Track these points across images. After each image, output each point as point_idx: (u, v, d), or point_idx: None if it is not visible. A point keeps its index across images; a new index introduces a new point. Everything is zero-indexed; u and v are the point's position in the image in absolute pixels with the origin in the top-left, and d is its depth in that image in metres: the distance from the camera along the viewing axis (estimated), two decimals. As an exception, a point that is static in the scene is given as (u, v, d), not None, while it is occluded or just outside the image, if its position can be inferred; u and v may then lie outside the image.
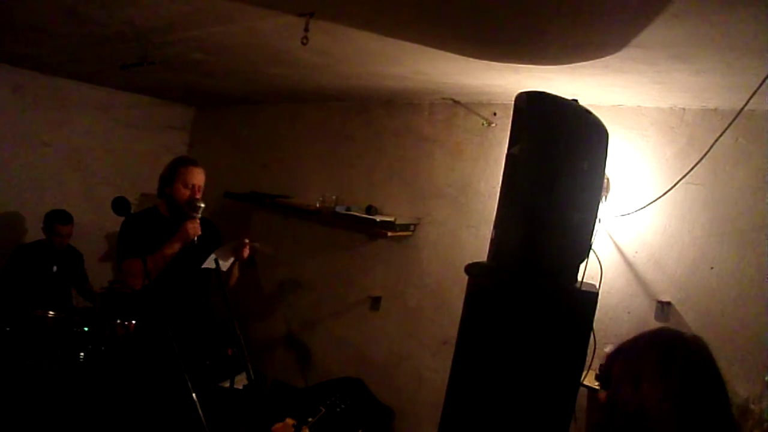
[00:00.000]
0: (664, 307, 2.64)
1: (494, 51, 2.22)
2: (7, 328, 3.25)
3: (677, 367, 1.24)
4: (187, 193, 2.79)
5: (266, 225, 4.49)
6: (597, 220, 2.11)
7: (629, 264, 2.77)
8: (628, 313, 2.75)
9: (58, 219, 3.82)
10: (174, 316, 2.53)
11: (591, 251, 2.15)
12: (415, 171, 3.64)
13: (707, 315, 2.53)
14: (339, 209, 3.65)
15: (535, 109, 1.91)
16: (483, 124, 3.31)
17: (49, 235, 3.83)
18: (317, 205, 3.82)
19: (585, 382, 2.40)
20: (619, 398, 1.27)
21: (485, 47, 2.19)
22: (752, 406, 2.34)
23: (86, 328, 3.42)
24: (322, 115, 4.22)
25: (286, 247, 4.28)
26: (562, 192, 1.91)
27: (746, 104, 1.99)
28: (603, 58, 2.06)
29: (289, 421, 2.46)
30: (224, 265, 2.76)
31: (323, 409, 2.80)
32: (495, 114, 3.27)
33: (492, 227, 2.05)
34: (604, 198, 2.57)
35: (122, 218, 2.62)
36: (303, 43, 2.11)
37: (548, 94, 1.93)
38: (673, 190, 2.45)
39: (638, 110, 2.79)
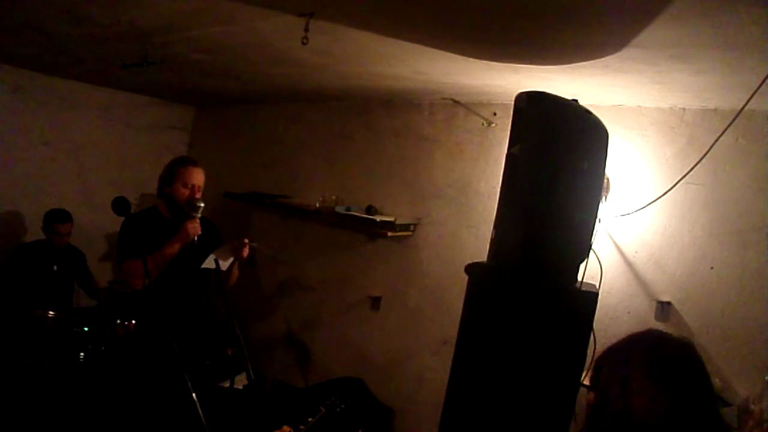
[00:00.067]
0: (664, 307, 2.64)
1: (494, 51, 2.22)
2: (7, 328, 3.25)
3: (664, 368, 1.26)
4: (186, 193, 2.79)
5: (266, 225, 4.49)
6: (597, 220, 2.11)
7: (629, 264, 2.77)
8: (628, 313, 2.75)
9: (57, 218, 3.82)
10: (174, 316, 2.53)
11: (591, 251, 2.15)
12: (415, 171, 3.64)
13: (707, 315, 2.53)
14: (339, 209, 3.65)
15: (535, 109, 1.91)
16: (483, 124, 3.31)
17: (49, 234, 3.83)
18: (317, 205, 3.81)
19: (585, 382, 2.40)
20: (607, 399, 1.28)
21: (485, 47, 2.19)
22: (752, 406, 2.34)
23: (86, 328, 3.43)
24: (322, 115, 4.22)
25: (286, 247, 4.28)
26: (562, 192, 1.91)
27: (746, 104, 1.99)
28: (603, 58, 2.06)
29: (286, 428, 2.46)
30: (224, 265, 2.76)
31: (323, 409, 2.80)
32: (495, 114, 3.27)
33: (492, 227, 2.05)
34: (604, 198, 2.57)
35: (122, 218, 2.62)
36: (303, 43, 2.11)
37: (548, 94, 1.93)
38: (673, 190, 2.45)
39: (638, 110, 2.79)
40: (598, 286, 2.41)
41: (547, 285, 1.95)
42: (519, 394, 1.88)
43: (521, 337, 1.89)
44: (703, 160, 2.27)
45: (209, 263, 2.66)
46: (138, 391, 2.82)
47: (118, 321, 3.47)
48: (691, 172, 2.35)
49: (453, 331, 2.15)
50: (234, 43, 2.62)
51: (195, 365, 2.53)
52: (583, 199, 1.99)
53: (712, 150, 2.21)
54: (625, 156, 2.78)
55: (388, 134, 3.82)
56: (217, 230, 3.09)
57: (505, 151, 2.02)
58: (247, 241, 2.83)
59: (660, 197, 2.51)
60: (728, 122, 2.10)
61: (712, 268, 2.54)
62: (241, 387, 3.49)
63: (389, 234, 3.41)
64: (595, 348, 2.23)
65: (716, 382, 2.45)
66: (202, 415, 2.12)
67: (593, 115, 2.03)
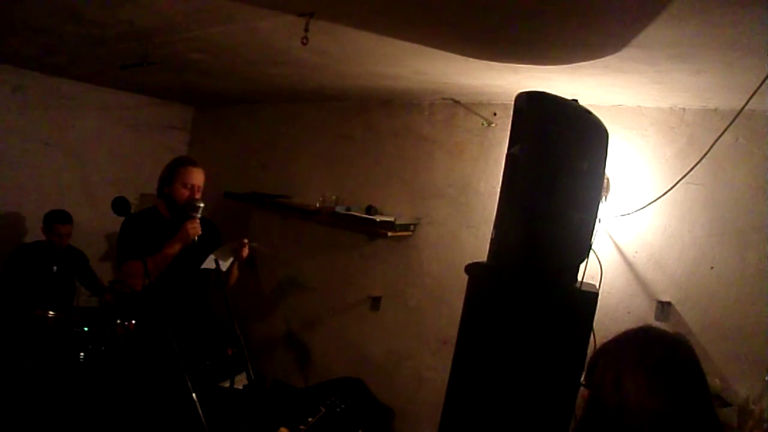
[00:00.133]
0: (664, 307, 2.64)
1: (494, 51, 2.22)
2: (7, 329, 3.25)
3: (658, 364, 1.25)
4: (186, 193, 2.79)
5: (266, 225, 4.49)
6: (597, 220, 2.11)
7: (629, 264, 2.77)
8: (628, 313, 2.75)
9: (57, 219, 3.82)
10: (174, 316, 2.53)
11: (591, 251, 2.15)
12: (415, 171, 3.64)
13: (707, 315, 2.53)
14: (339, 209, 3.65)
15: (535, 109, 1.91)
16: (483, 124, 3.31)
17: (49, 235, 3.83)
18: (317, 205, 3.82)
19: (584, 382, 2.40)
20: (601, 394, 1.28)
21: (485, 47, 2.19)
22: (752, 406, 2.34)
23: (86, 328, 3.42)
24: (322, 115, 4.22)
25: (286, 247, 4.29)
26: (562, 192, 1.91)
27: (746, 104, 1.99)
28: (603, 58, 2.06)
29: (283, 430, 2.46)
30: (224, 265, 2.76)
31: (323, 409, 2.80)
32: (495, 114, 3.27)
33: (492, 227, 2.05)
34: (604, 198, 2.57)
35: (122, 218, 2.62)
36: (303, 43, 2.11)
37: (548, 94, 1.93)
38: (673, 190, 2.45)
39: (638, 110, 2.79)
40: (598, 286, 2.41)
41: (547, 285, 1.95)
42: (519, 394, 1.88)
43: (521, 337, 1.89)
44: (703, 160, 2.27)
45: (209, 263, 2.66)
46: (138, 391, 2.82)
47: (118, 321, 3.46)
48: (691, 172, 2.35)
49: (453, 331, 2.15)
50: (234, 43, 2.62)
51: (195, 365, 2.53)
52: (583, 199, 1.99)
53: (712, 150, 2.21)
54: (625, 156, 2.78)
55: (387, 134, 3.82)
56: (217, 230, 3.10)
57: (505, 151, 2.02)
58: (246, 241, 2.83)
59: (660, 197, 2.51)
60: (728, 122, 2.10)
61: (712, 268, 2.54)
62: (241, 387, 3.49)
63: (389, 234, 3.41)
64: (595, 348, 2.23)
65: (716, 382, 2.45)
66: (202, 415, 2.12)
67: (593, 115, 2.03)
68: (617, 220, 2.76)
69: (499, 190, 2.06)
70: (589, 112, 2.02)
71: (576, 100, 2.04)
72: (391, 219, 3.47)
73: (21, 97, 4.23)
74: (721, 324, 2.49)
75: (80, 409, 3.21)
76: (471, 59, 2.35)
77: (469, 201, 3.36)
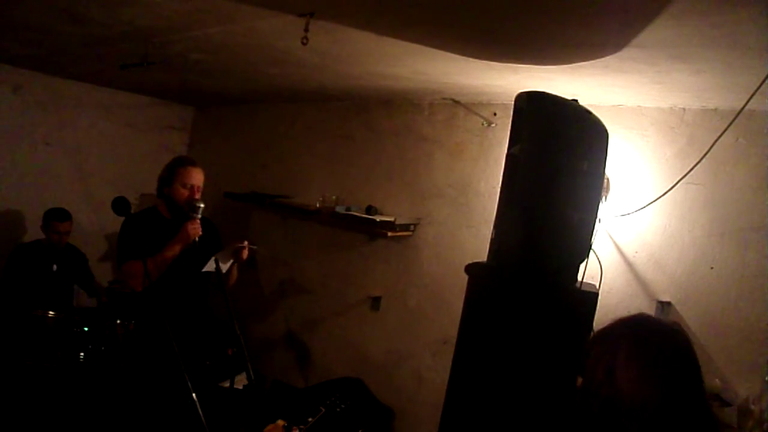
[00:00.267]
0: (664, 307, 2.64)
1: (494, 51, 2.22)
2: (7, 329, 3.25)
3: (650, 352, 1.23)
4: (186, 193, 2.78)
5: (266, 225, 4.49)
6: (597, 220, 2.11)
7: (629, 264, 2.77)
8: (628, 313, 2.73)
9: (55, 216, 3.82)
10: (174, 317, 2.53)
11: (591, 251, 2.15)
12: (415, 171, 3.64)
13: (707, 315, 2.53)
14: (339, 209, 3.65)
15: (535, 109, 1.91)
16: (483, 124, 3.31)
17: (48, 234, 3.83)
18: (317, 205, 3.82)
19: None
20: (593, 383, 1.26)
21: (485, 47, 2.19)
22: (752, 406, 2.34)
23: (86, 328, 3.42)
24: (322, 115, 4.22)
25: (286, 247, 4.29)
26: (562, 192, 1.91)
27: (746, 104, 1.99)
28: (603, 58, 2.06)
29: (280, 422, 2.46)
30: (223, 267, 2.76)
31: (323, 409, 2.80)
32: (495, 114, 3.27)
33: (492, 227, 2.05)
34: (604, 198, 2.57)
35: (122, 218, 2.62)
36: (303, 43, 2.11)
37: (548, 94, 1.93)
38: (673, 190, 2.45)
39: (638, 110, 2.79)
40: (598, 286, 2.41)
41: (547, 285, 1.95)
42: (519, 394, 1.89)
43: (521, 337, 1.89)
44: (703, 160, 2.27)
45: (209, 266, 2.66)
46: (138, 391, 2.82)
47: (118, 321, 3.47)
48: (691, 172, 2.35)
49: (453, 331, 2.15)
50: (234, 43, 2.62)
51: (195, 365, 2.53)
52: (583, 199, 1.99)
53: (712, 150, 2.21)
54: (625, 156, 2.78)
55: (388, 134, 3.82)
56: (217, 230, 3.09)
57: (505, 151, 2.02)
58: (246, 243, 2.83)
59: (660, 197, 2.52)
60: (728, 122, 2.10)
61: (712, 268, 2.54)
62: (241, 387, 3.49)
63: (389, 234, 3.41)
64: (595, 348, 2.23)
65: (716, 382, 2.45)
66: (202, 415, 2.11)
67: (593, 115, 2.03)
68: (617, 220, 2.76)
69: (499, 190, 2.06)
70: (589, 112, 2.02)
71: (576, 100, 2.04)
72: (391, 219, 3.47)
73: (21, 97, 4.23)
74: (721, 324, 2.49)
75: (80, 409, 3.21)
76: (471, 59, 2.35)
77: (469, 201, 3.36)
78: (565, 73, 2.32)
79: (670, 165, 2.65)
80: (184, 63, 3.17)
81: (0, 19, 2.69)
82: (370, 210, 3.60)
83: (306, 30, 2.08)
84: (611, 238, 2.80)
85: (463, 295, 2.08)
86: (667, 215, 2.66)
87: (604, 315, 2.69)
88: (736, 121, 2.08)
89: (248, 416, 3.33)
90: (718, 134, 2.15)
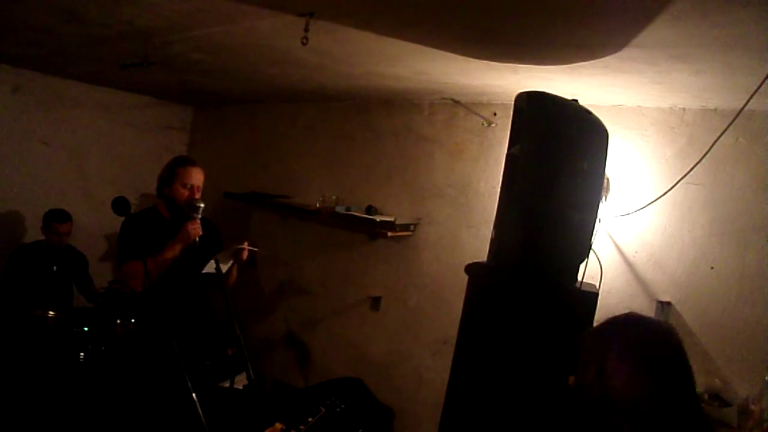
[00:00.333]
0: (664, 307, 2.64)
1: (494, 51, 2.22)
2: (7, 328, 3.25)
3: (641, 351, 1.23)
4: (185, 193, 2.78)
5: (266, 225, 4.49)
6: (597, 220, 2.11)
7: (629, 264, 2.77)
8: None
9: (55, 217, 3.82)
10: (174, 317, 2.53)
11: (591, 251, 2.15)
12: (415, 171, 3.64)
13: (707, 315, 2.53)
14: (339, 209, 3.65)
15: (535, 109, 1.92)
16: (483, 124, 3.31)
17: (48, 235, 3.83)
18: (317, 205, 3.81)
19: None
20: (584, 382, 1.27)
21: (485, 47, 2.19)
22: (752, 406, 2.34)
23: (86, 328, 3.42)
24: (322, 115, 4.22)
25: (286, 247, 4.29)
26: (562, 192, 1.91)
27: (746, 104, 1.99)
28: (603, 58, 2.06)
29: (278, 425, 2.46)
30: (223, 267, 2.76)
31: (323, 409, 2.80)
32: (495, 114, 3.27)
33: (492, 227, 2.06)
34: (604, 198, 2.57)
35: (122, 218, 2.62)
36: (303, 43, 2.11)
37: (548, 94, 1.93)
38: (673, 190, 2.45)
39: (638, 110, 2.79)
40: (598, 286, 2.41)
41: (547, 285, 1.95)
42: (519, 394, 1.89)
43: (521, 337, 1.89)
44: (703, 160, 2.27)
45: (210, 267, 2.66)
46: (138, 391, 2.82)
47: (118, 321, 3.46)
48: (691, 172, 2.35)
49: (453, 331, 2.16)
50: (234, 43, 2.62)
51: (195, 365, 2.53)
52: (583, 199, 1.99)
53: (712, 150, 2.22)
54: (625, 156, 2.78)
55: (388, 134, 3.82)
56: (217, 230, 3.09)
57: (505, 151, 2.02)
58: (246, 244, 2.83)
59: (660, 197, 2.52)
60: (728, 122, 2.10)
61: (712, 268, 2.54)
62: (241, 387, 3.49)
63: (389, 234, 3.41)
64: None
65: (716, 382, 2.45)
66: (202, 415, 2.12)
67: (593, 115, 2.03)
68: (617, 220, 2.76)
69: (499, 190, 2.06)
70: (589, 112, 2.02)
71: (576, 100, 2.04)
72: (391, 219, 3.47)
73: (21, 97, 4.23)
74: (721, 324, 2.49)
75: (80, 409, 3.21)
76: (471, 59, 2.35)
77: (469, 201, 3.36)
78: (565, 73, 2.32)
79: (670, 165, 2.65)
80: (184, 63, 3.17)
81: (0, 19, 2.68)
82: (370, 210, 3.60)
83: (306, 30, 2.08)
84: (611, 238, 2.80)
85: (463, 295, 2.08)
86: (667, 215, 2.66)
87: (604, 315, 2.67)
88: (736, 121, 2.08)
89: (248, 416, 3.33)
90: (718, 134, 2.15)
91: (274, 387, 4.08)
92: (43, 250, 3.87)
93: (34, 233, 4.13)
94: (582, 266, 2.15)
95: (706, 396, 2.43)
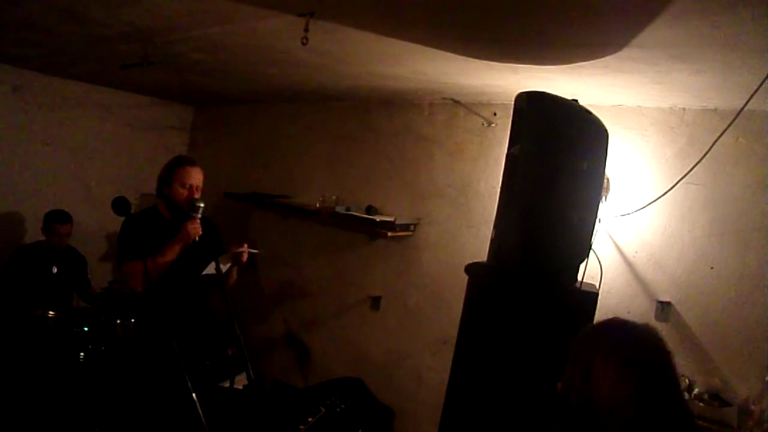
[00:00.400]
0: (664, 307, 2.64)
1: (494, 51, 2.22)
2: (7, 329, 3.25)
3: (625, 354, 1.25)
4: (185, 193, 2.78)
5: (266, 225, 4.49)
6: (597, 220, 2.11)
7: (629, 264, 2.77)
8: (628, 313, 2.74)
9: (56, 218, 3.82)
10: (174, 317, 2.53)
11: (591, 251, 2.15)
12: (415, 171, 3.64)
13: (707, 315, 2.53)
14: (339, 209, 3.65)
15: (535, 109, 1.92)
16: (483, 124, 3.31)
17: (48, 235, 3.83)
18: (317, 205, 3.81)
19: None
20: (572, 386, 1.29)
21: (485, 47, 2.19)
22: (752, 406, 2.34)
23: (86, 328, 3.42)
24: (322, 115, 4.22)
25: (286, 247, 4.28)
26: (562, 192, 1.91)
27: (746, 104, 1.99)
28: (603, 58, 2.06)
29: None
30: (223, 268, 2.76)
31: (323, 409, 2.80)
32: (495, 114, 3.27)
33: (492, 227, 2.06)
34: (604, 198, 2.57)
35: (122, 218, 2.62)
36: (303, 43, 2.11)
37: (548, 94, 1.93)
38: (673, 190, 2.45)
39: (638, 110, 2.79)
40: (598, 286, 2.41)
41: (547, 285, 1.95)
42: (519, 394, 1.88)
43: (521, 337, 1.89)
44: (703, 160, 2.27)
45: (210, 269, 2.66)
46: (138, 391, 2.82)
47: (118, 321, 3.46)
48: (691, 172, 2.35)
49: (453, 331, 2.16)
50: (234, 43, 2.62)
51: (195, 365, 2.53)
52: (583, 199, 1.99)
53: (712, 150, 2.22)
54: (625, 156, 2.78)
55: (388, 134, 3.82)
56: (217, 230, 3.09)
57: (505, 151, 2.02)
58: (246, 246, 2.83)
59: (660, 197, 2.52)
60: (728, 122, 2.10)
61: (712, 268, 2.54)
62: (241, 387, 3.49)
63: (389, 234, 3.41)
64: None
65: (716, 382, 2.45)
66: (202, 415, 2.11)
67: (593, 115, 2.03)
68: (617, 220, 2.76)
69: (499, 190, 2.06)
70: (589, 112, 2.02)
71: (576, 100, 2.04)
72: (391, 219, 3.47)
73: (21, 97, 4.23)
74: (721, 324, 2.49)
75: (80, 409, 3.21)
76: (471, 59, 2.35)
77: (469, 201, 3.36)
78: (565, 73, 2.32)
79: (670, 165, 2.65)
80: (184, 63, 3.17)
81: (0, 19, 2.68)
82: (370, 210, 3.60)
83: (306, 30, 2.08)
84: (611, 238, 2.80)
85: (463, 295, 2.08)
86: (667, 215, 2.66)
87: (604, 315, 2.68)
88: (736, 121, 2.08)
89: (248, 416, 3.33)
90: (718, 134, 2.15)
91: (274, 387, 4.07)
92: (44, 251, 3.87)
93: (34, 234, 4.12)
94: (582, 266, 2.15)
95: (706, 396, 2.43)
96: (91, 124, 4.67)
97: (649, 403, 1.19)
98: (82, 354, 3.36)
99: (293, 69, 3.05)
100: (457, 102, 3.37)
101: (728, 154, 2.48)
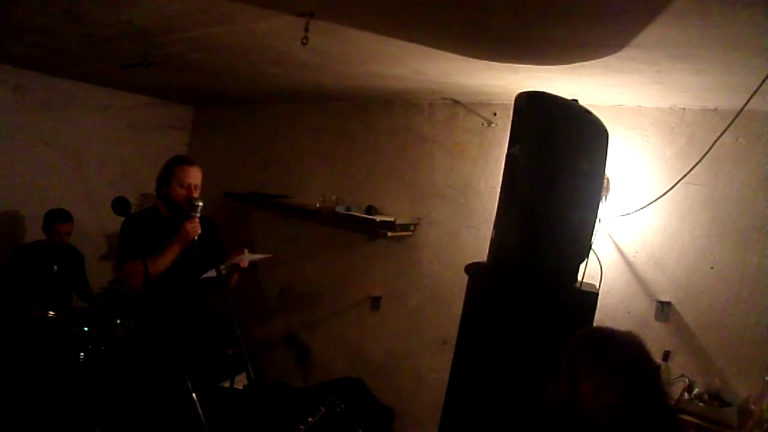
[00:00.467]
0: (664, 307, 2.64)
1: (494, 51, 2.22)
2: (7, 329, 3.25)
3: (607, 361, 1.29)
4: (183, 192, 2.77)
5: (266, 225, 4.49)
6: (597, 220, 2.11)
7: (629, 264, 2.77)
8: (628, 313, 2.75)
9: (56, 217, 3.82)
10: (174, 317, 2.53)
11: (591, 251, 2.15)
12: (415, 171, 3.64)
13: (707, 315, 2.53)
14: (339, 209, 3.65)
15: (535, 109, 1.92)
16: (483, 124, 3.31)
17: (49, 234, 3.83)
18: (317, 205, 3.81)
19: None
20: (557, 392, 1.32)
21: (485, 47, 2.19)
22: (752, 406, 2.34)
23: (86, 328, 3.42)
24: (322, 115, 4.22)
25: (286, 247, 4.28)
26: (562, 192, 1.91)
27: (746, 104, 1.99)
28: (603, 58, 2.06)
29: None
30: (223, 270, 2.76)
31: (323, 409, 2.80)
32: (495, 114, 3.27)
33: (492, 227, 2.06)
34: (604, 198, 2.57)
35: (122, 218, 2.62)
36: (303, 43, 2.11)
37: (548, 94, 1.93)
38: (673, 190, 2.45)
39: (638, 110, 2.79)
40: (598, 286, 2.41)
41: (546, 285, 1.95)
42: (518, 394, 1.88)
43: (521, 337, 1.89)
44: (703, 160, 2.27)
45: (210, 273, 2.66)
46: (138, 391, 2.82)
47: (118, 321, 3.46)
48: (691, 172, 2.35)
49: (453, 331, 2.16)
50: (234, 43, 2.62)
51: (195, 365, 2.53)
52: (583, 199, 1.99)
53: (712, 150, 2.22)
54: (625, 156, 2.78)
55: (388, 134, 3.82)
56: (217, 230, 3.09)
57: (505, 151, 2.02)
58: (246, 251, 2.84)
59: (660, 197, 2.52)
60: (728, 122, 2.10)
61: (712, 268, 2.54)
62: (241, 387, 3.49)
63: (389, 234, 3.41)
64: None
65: (716, 382, 2.45)
66: (202, 415, 2.11)
67: (593, 115, 2.03)
68: (617, 220, 2.76)
69: (499, 190, 2.06)
70: (589, 112, 2.02)
71: (576, 100, 2.04)
72: (391, 219, 3.47)
73: (21, 97, 4.23)
74: (721, 324, 2.49)
75: (80, 409, 3.21)
76: (471, 59, 2.35)
77: (469, 201, 3.36)
78: (565, 73, 2.32)
79: (670, 165, 2.65)
80: (184, 63, 3.17)
81: (0, 19, 2.68)
82: (370, 210, 3.60)
83: (306, 30, 2.08)
84: (611, 238, 2.80)
85: (463, 295, 2.08)
86: (667, 215, 2.66)
87: (604, 315, 2.71)
88: (736, 121, 2.08)
89: (248, 416, 3.33)
90: (718, 134, 2.15)
91: (274, 387, 4.08)
92: (44, 250, 3.87)
93: (34, 233, 4.12)
94: (582, 266, 2.15)
95: (706, 396, 2.43)
96: (91, 124, 4.67)
97: (632, 408, 1.23)
98: (82, 354, 3.36)
99: (293, 69, 3.05)
100: (457, 102, 3.37)
101: (728, 154, 2.48)
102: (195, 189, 2.80)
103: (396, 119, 3.77)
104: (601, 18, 1.68)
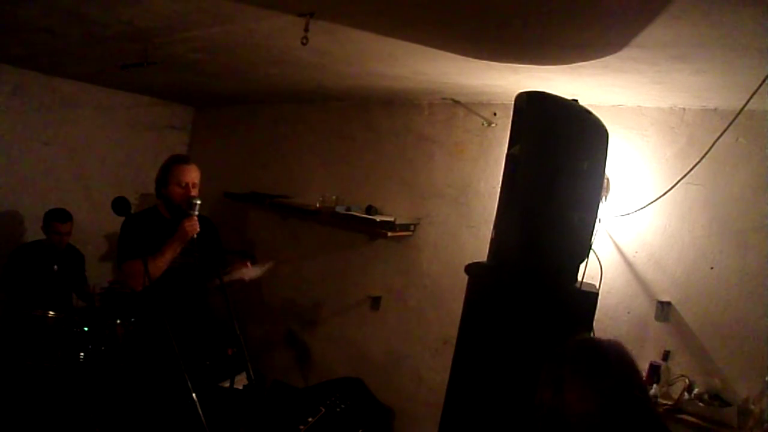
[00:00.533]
0: (664, 307, 2.64)
1: (494, 51, 2.22)
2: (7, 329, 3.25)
3: (591, 368, 1.35)
4: (181, 192, 2.77)
5: (266, 225, 4.49)
6: (597, 220, 2.11)
7: (629, 264, 2.77)
8: (628, 313, 2.75)
9: (56, 217, 3.82)
10: (174, 316, 2.53)
11: (591, 251, 2.15)
12: (415, 171, 3.64)
13: (707, 315, 2.53)
14: (339, 209, 3.65)
15: (535, 109, 1.92)
16: (483, 124, 3.31)
17: (49, 234, 3.83)
18: (317, 205, 3.81)
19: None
20: (543, 398, 1.39)
21: (485, 47, 2.19)
22: (752, 406, 2.34)
23: (86, 328, 3.42)
24: (322, 115, 4.22)
25: (286, 247, 4.28)
26: (562, 192, 1.91)
27: (746, 104, 1.99)
28: (603, 58, 2.06)
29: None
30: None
31: (323, 409, 2.80)
32: (495, 114, 3.27)
33: (492, 227, 2.05)
34: (604, 198, 2.57)
35: (122, 218, 2.62)
36: (303, 43, 2.11)
37: (548, 94, 1.93)
38: (673, 190, 2.45)
39: (638, 110, 2.79)
40: (598, 286, 2.41)
41: (546, 285, 1.95)
42: (519, 394, 1.88)
43: (521, 337, 1.89)
44: (703, 160, 2.28)
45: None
46: (138, 391, 2.82)
47: (118, 321, 3.46)
48: (691, 172, 2.35)
49: (453, 331, 2.15)
50: (234, 43, 2.62)
51: (195, 365, 2.53)
52: (583, 199, 1.99)
53: (712, 150, 2.22)
54: (625, 156, 2.78)
55: (388, 134, 3.82)
56: (216, 229, 3.09)
57: (505, 151, 2.02)
58: (248, 264, 2.85)
59: (660, 197, 2.52)
60: (728, 122, 2.10)
61: (712, 268, 2.54)
62: (241, 387, 3.49)
63: (389, 234, 3.41)
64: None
65: (716, 382, 2.45)
66: (202, 415, 2.12)
67: (593, 115, 2.03)
68: (617, 220, 2.76)
69: (499, 190, 2.06)
70: (589, 112, 2.02)
71: (576, 100, 2.04)
72: (391, 219, 3.47)
73: (21, 97, 4.23)
74: (721, 324, 2.49)
75: (80, 409, 3.21)
76: (471, 59, 2.35)
77: (469, 201, 3.36)
78: (565, 73, 2.32)
79: (670, 165, 2.65)
80: (184, 63, 3.17)
81: (1, 19, 2.69)
82: (370, 210, 3.60)
83: (306, 30, 2.08)
84: (611, 238, 2.80)
85: (463, 295, 2.08)
86: (667, 215, 2.66)
87: (604, 315, 2.72)
88: (736, 121, 2.08)
89: (248, 416, 3.33)
90: (718, 134, 2.15)
91: (274, 387, 4.08)
92: (44, 250, 3.87)
93: (34, 233, 4.12)
94: (582, 266, 2.15)
95: (706, 396, 2.43)
96: (91, 124, 4.67)
97: (614, 412, 1.28)
98: (82, 354, 3.36)
99: (293, 69, 3.05)
100: (457, 102, 3.37)
101: (728, 154, 2.48)
102: (193, 187, 2.80)
103: (396, 119, 3.77)
104: (601, 18, 1.68)
